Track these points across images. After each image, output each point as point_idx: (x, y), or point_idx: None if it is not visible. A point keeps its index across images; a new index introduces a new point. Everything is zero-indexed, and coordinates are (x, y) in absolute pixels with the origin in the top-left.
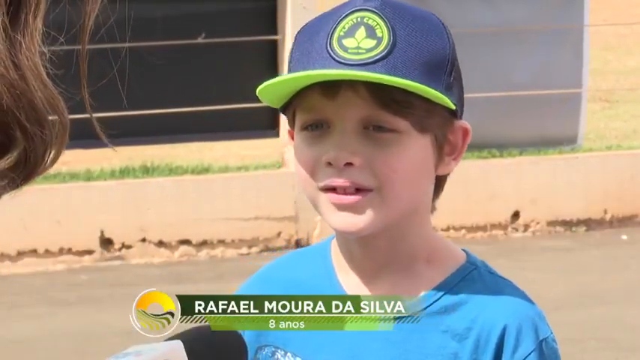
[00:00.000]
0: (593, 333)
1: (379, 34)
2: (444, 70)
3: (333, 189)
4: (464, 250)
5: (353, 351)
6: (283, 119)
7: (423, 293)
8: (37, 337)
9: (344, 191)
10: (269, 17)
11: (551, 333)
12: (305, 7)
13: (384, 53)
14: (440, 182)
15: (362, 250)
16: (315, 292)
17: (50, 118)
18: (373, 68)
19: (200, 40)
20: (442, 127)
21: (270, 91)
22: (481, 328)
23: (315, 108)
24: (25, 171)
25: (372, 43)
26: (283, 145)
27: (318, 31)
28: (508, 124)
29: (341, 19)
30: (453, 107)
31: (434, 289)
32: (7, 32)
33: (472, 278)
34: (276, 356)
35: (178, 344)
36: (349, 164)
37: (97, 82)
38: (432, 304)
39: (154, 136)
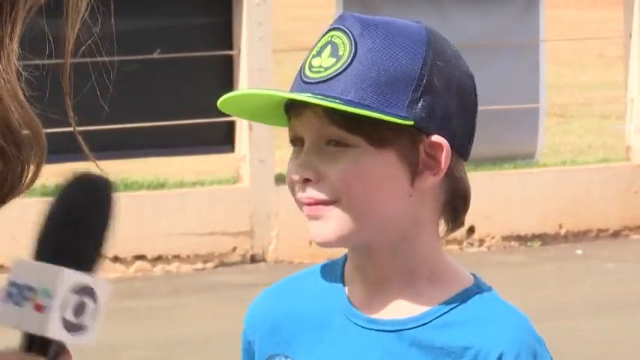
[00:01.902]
0: (549, 348)
1: (340, 52)
2: (410, 85)
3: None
4: (472, 274)
5: None
6: (239, 135)
7: (424, 309)
8: None
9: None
10: (224, 32)
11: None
12: (260, 22)
13: (339, 71)
14: (457, 198)
15: (365, 262)
16: (324, 302)
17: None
18: (326, 86)
19: (155, 55)
20: (408, 142)
21: (237, 104)
22: (478, 350)
23: (292, 126)
24: (3, 192)
25: (332, 61)
26: (239, 161)
27: (310, 51)
28: None
29: (319, 39)
30: (407, 123)
31: (436, 306)
32: None
33: (475, 301)
34: None
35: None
36: (307, 180)
37: (49, 98)
38: (431, 320)
39: (109, 152)
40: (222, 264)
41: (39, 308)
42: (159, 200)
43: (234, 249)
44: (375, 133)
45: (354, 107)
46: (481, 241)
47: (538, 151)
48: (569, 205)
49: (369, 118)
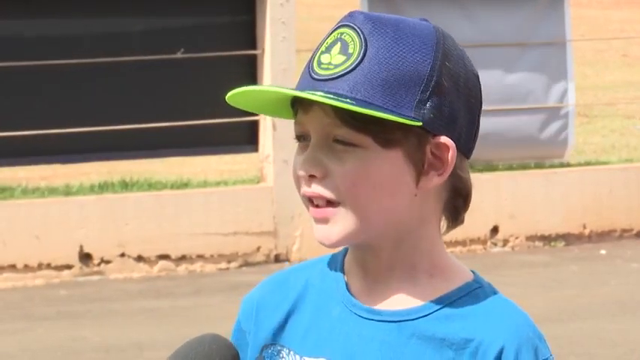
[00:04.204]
0: (572, 348)
1: (350, 50)
2: (419, 85)
3: (311, 201)
4: (472, 271)
5: (350, 350)
6: (262, 134)
7: (426, 301)
8: (16, 352)
9: (317, 204)
10: (248, 32)
11: (551, 355)
12: (284, 21)
13: (349, 69)
14: (459, 197)
15: (367, 256)
16: (323, 292)
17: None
18: (336, 83)
19: (179, 54)
20: (414, 143)
21: (247, 99)
22: (479, 343)
23: (299, 121)
24: None
25: (342, 58)
26: (262, 160)
27: (317, 47)
28: (493, 141)
29: (327, 36)
30: (416, 124)
31: (436, 299)
32: None
33: (476, 295)
34: (281, 355)
35: None
36: (312, 176)
37: (74, 97)
38: (432, 312)
39: (133, 151)
40: (246, 264)
41: None
42: (182, 200)
43: (258, 249)
44: (383, 133)
45: (365, 108)
46: (505, 241)
47: (567, 152)
48: (593, 205)
49: (378, 118)
